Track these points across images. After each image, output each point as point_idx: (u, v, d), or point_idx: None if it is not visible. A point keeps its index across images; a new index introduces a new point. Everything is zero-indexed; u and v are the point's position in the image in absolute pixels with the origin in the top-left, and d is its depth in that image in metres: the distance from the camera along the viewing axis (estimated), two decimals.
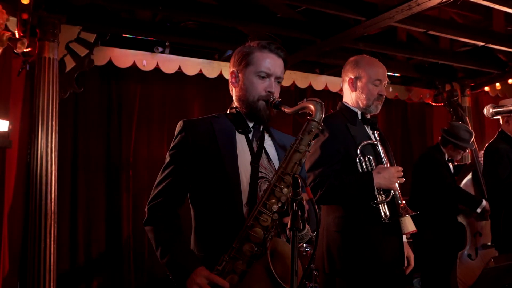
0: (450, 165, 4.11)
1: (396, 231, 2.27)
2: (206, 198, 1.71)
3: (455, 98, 5.81)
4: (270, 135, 1.83)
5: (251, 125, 1.78)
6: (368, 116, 2.46)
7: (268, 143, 1.81)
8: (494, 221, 3.39)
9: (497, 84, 6.47)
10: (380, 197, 2.23)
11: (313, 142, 1.64)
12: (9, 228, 4.35)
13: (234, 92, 1.82)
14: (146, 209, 1.74)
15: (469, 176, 4.15)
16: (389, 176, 2.21)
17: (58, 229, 4.04)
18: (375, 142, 2.35)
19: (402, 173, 2.27)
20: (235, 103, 1.81)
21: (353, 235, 2.26)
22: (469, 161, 4.66)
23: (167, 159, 1.76)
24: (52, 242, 3.84)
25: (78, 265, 4.99)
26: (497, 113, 2.09)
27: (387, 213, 2.23)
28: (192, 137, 1.73)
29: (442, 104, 6.19)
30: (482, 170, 3.92)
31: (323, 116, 1.64)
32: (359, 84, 2.44)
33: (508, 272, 2.21)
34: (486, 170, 3.45)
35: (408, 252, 2.41)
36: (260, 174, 1.71)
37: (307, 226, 1.72)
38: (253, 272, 1.52)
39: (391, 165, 2.37)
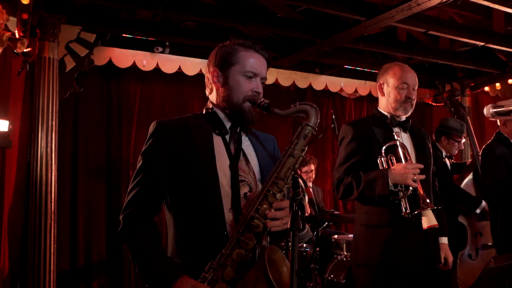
0: (448, 162, 4.10)
1: (418, 226, 2.34)
2: (186, 203, 1.62)
3: (457, 97, 5.81)
4: (248, 135, 1.77)
5: (228, 125, 1.71)
6: (403, 118, 2.56)
7: (246, 144, 1.74)
8: (492, 222, 3.39)
9: (497, 84, 6.48)
10: (401, 192, 2.33)
11: (306, 147, 1.61)
12: (9, 228, 4.36)
13: (214, 92, 1.73)
14: (120, 218, 1.62)
15: (470, 176, 4.14)
16: (404, 173, 2.29)
17: (58, 229, 4.04)
18: (397, 143, 2.43)
19: (421, 166, 2.36)
20: (214, 103, 1.73)
21: (376, 228, 2.41)
22: (469, 160, 4.65)
23: (139, 162, 1.66)
24: (52, 242, 3.84)
25: (78, 265, 4.99)
26: (497, 113, 2.09)
27: (408, 208, 2.32)
28: (167, 139, 1.64)
29: (442, 104, 6.19)
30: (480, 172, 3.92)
31: (318, 120, 1.61)
32: (386, 88, 2.56)
33: (508, 272, 2.21)
34: (483, 172, 3.46)
35: (446, 252, 2.55)
36: (240, 178, 1.65)
37: (307, 226, 1.72)
38: (247, 279, 1.48)
39: (421, 164, 2.43)
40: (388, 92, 2.54)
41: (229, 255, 1.50)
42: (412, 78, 2.54)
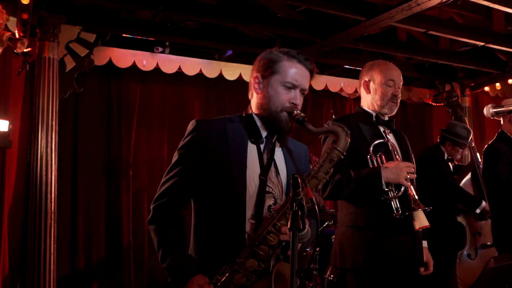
0: (450, 164, 4.11)
1: (408, 227, 2.29)
2: (211, 204, 1.68)
3: (454, 98, 5.81)
4: (282, 146, 1.78)
5: (264, 134, 1.73)
6: (386, 118, 2.49)
7: (278, 155, 1.76)
8: (494, 221, 3.39)
9: (497, 84, 6.47)
10: (391, 192, 2.26)
11: (332, 170, 1.64)
12: (9, 228, 4.36)
13: (255, 97, 1.75)
14: (151, 207, 1.70)
15: (468, 176, 4.15)
16: (397, 171, 2.23)
17: (58, 230, 4.04)
18: (387, 141, 2.38)
19: (413, 169, 2.30)
20: (252, 108, 1.76)
21: (364, 230, 2.30)
22: (469, 162, 4.66)
23: (175, 157, 1.71)
24: (52, 243, 3.84)
25: (78, 266, 4.98)
26: (497, 113, 2.09)
27: (399, 208, 2.25)
28: (204, 138, 1.68)
29: (442, 104, 6.19)
30: (481, 171, 3.92)
31: (348, 145, 1.62)
32: (372, 86, 2.48)
33: (508, 272, 2.21)
34: (486, 170, 3.45)
35: (427, 256, 2.44)
36: (267, 189, 1.68)
37: (307, 226, 1.72)
38: None
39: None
40: (374, 89, 2.46)
41: (243, 263, 1.56)
42: (398, 75, 2.48)
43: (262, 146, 1.72)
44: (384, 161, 2.32)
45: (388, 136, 2.42)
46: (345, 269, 2.38)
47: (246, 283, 1.56)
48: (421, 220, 2.26)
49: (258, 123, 1.73)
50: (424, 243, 2.45)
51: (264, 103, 1.70)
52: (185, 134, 1.73)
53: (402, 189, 2.26)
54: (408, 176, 2.26)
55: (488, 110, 2.14)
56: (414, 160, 2.53)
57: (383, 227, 2.27)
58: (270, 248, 1.57)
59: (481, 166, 3.96)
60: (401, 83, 2.51)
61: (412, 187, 2.29)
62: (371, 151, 2.32)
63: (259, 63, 1.75)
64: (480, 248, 4.01)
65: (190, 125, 1.73)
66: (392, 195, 2.25)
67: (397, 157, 2.37)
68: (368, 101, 2.50)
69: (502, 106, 2.21)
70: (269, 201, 1.67)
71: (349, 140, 1.62)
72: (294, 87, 1.69)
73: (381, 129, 2.45)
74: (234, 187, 1.63)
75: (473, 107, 6.74)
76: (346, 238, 2.35)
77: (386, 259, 2.26)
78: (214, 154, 1.66)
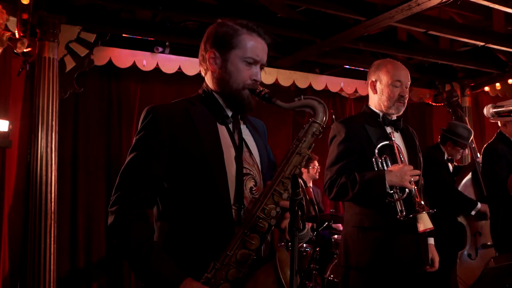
0: (450, 165, 4.11)
1: (412, 228, 2.30)
2: (186, 198, 1.50)
3: (455, 98, 5.81)
4: (245, 123, 1.66)
5: (229, 114, 1.60)
6: (394, 117, 2.49)
7: (246, 133, 1.63)
8: (493, 221, 3.38)
9: (497, 84, 6.48)
10: (395, 194, 2.27)
11: (313, 144, 1.53)
12: (9, 228, 4.36)
13: (210, 74, 1.60)
14: (111, 210, 1.47)
15: (469, 176, 4.15)
16: (401, 174, 2.23)
17: (58, 229, 4.04)
18: (392, 144, 2.38)
19: (418, 172, 2.32)
20: (210, 86, 1.61)
21: (368, 231, 2.33)
22: (469, 162, 4.66)
23: (133, 153, 1.50)
24: (52, 242, 3.84)
25: (78, 265, 4.99)
26: (497, 113, 2.09)
27: (403, 210, 2.26)
28: (166, 127, 1.49)
29: (442, 104, 6.19)
30: (481, 171, 3.92)
31: (327, 117, 1.53)
32: (379, 86, 2.47)
33: (508, 272, 2.21)
34: (485, 171, 3.45)
35: (432, 253, 2.47)
36: (244, 171, 1.55)
37: (307, 226, 1.72)
38: (257, 280, 1.48)
39: (413, 164, 2.39)
40: (381, 89, 2.45)
41: (233, 255, 1.43)
42: (405, 75, 2.47)
43: (230, 126, 1.58)
44: (390, 163, 2.33)
45: (394, 137, 2.42)
46: (349, 268, 2.40)
47: (239, 276, 1.44)
48: (425, 222, 2.26)
49: (220, 100, 1.59)
50: (431, 240, 2.50)
51: (223, 80, 1.56)
52: (140, 125, 1.54)
53: (406, 192, 2.28)
54: (412, 179, 2.27)
55: (488, 110, 2.13)
56: (421, 158, 2.55)
57: (387, 228, 2.30)
58: (261, 235, 1.45)
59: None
60: (409, 83, 2.51)
61: (416, 189, 2.30)
62: (376, 153, 2.34)
63: (212, 36, 1.57)
64: (480, 248, 4.01)
65: (145, 115, 1.54)
66: (397, 197, 2.27)
67: (403, 159, 2.38)
68: (375, 101, 2.51)
69: (502, 106, 2.21)
70: (249, 183, 1.55)
71: (327, 111, 1.52)
72: (255, 62, 1.56)
73: (388, 129, 2.45)
74: (212, 174, 1.47)
75: (473, 107, 6.75)
76: (351, 238, 2.39)
77: (389, 259, 2.29)
78: (183, 141, 1.49)
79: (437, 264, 2.47)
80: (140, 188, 1.47)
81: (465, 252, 3.99)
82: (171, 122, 1.50)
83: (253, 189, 1.56)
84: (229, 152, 1.54)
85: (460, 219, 3.99)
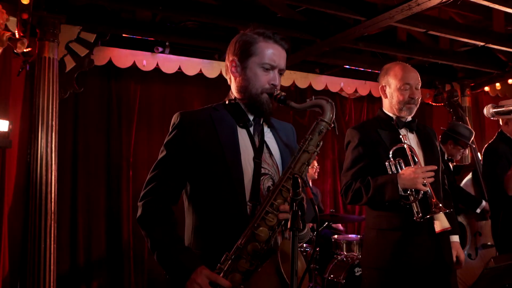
0: (450, 164, 4.11)
1: (429, 229, 2.32)
2: (207, 195, 1.64)
3: (455, 98, 5.81)
4: (269, 126, 1.78)
5: (251, 118, 1.72)
6: (408, 119, 2.52)
7: (268, 136, 1.75)
8: (493, 221, 3.38)
9: (497, 84, 6.48)
10: (411, 197, 2.29)
11: (321, 143, 1.62)
12: (9, 228, 4.36)
13: (233, 82, 1.74)
14: (139, 204, 1.65)
15: (469, 176, 4.15)
16: (413, 177, 2.24)
17: (58, 229, 4.04)
18: (404, 146, 2.38)
19: (432, 173, 2.30)
20: (234, 93, 1.74)
21: (387, 232, 2.38)
22: (469, 162, 4.67)
23: (162, 152, 1.68)
24: (52, 242, 3.84)
25: (78, 265, 4.99)
26: (497, 113, 2.09)
27: (419, 211, 2.28)
28: (191, 130, 1.65)
29: (442, 104, 6.19)
30: (481, 171, 3.92)
31: (334, 116, 1.61)
32: (389, 91, 2.53)
33: (508, 272, 2.21)
34: (485, 170, 3.45)
35: (457, 251, 2.52)
36: (262, 171, 1.66)
37: (307, 226, 1.72)
38: (262, 271, 1.52)
39: (430, 163, 2.39)
40: (391, 94, 2.50)
41: (244, 247, 1.52)
42: (415, 77, 2.50)
43: (251, 129, 1.71)
44: (403, 166, 2.35)
45: (407, 139, 2.42)
46: (370, 268, 2.47)
47: (250, 268, 1.53)
48: (442, 223, 2.28)
49: (243, 107, 1.72)
50: (454, 238, 2.53)
51: (243, 86, 1.69)
52: (171, 128, 1.70)
53: (421, 193, 2.29)
54: (425, 181, 2.26)
55: (488, 110, 2.13)
56: (439, 155, 2.56)
57: (405, 230, 2.33)
58: (270, 228, 1.54)
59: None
60: (419, 84, 2.53)
61: (431, 189, 2.30)
62: (390, 156, 2.36)
63: (234, 46, 1.72)
64: (480, 248, 4.01)
65: (175, 119, 1.70)
66: (412, 199, 2.29)
67: (416, 160, 2.38)
68: (387, 105, 2.55)
69: (502, 106, 2.20)
70: (267, 182, 1.66)
71: (334, 110, 1.61)
72: (272, 68, 1.68)
73: (403, 132, 2.47)
74: (230, 173, 1.60)
75: (473, 107, 6.75)
76: (371, 239, 2.46)
77: (408, 260, 2.31)
78: (205, 144, 1.64)
79: (463, 262, 2.52)
80: (165, 186, 1.64)
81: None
82: (195, 127, 1.66)
83: (270, 188, 1.66)
84: (247, 153, 1.66)
85: (460, 219, 3.99)
